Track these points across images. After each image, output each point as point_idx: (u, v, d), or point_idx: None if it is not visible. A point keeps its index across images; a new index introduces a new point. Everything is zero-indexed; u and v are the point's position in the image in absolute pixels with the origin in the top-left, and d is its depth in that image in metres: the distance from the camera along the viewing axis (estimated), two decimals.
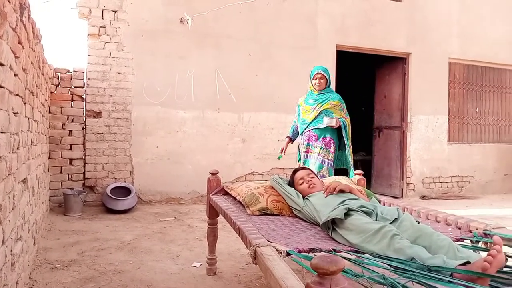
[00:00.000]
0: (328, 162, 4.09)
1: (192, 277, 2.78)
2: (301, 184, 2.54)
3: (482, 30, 7.34)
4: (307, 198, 2.40)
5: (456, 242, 1.78)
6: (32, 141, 2.89)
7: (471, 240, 1.89)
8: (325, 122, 4.00)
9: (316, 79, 4.13)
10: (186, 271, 2.88)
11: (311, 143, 4.11)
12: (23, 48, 2.23)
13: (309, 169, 2.72)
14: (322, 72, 4.16)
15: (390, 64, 7.05)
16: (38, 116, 3.33)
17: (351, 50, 6.53)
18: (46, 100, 4.29)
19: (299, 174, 2.61)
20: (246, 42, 5.84)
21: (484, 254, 1.61)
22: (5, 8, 1.61)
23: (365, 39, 6.55)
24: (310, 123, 4.13)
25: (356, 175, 3.12)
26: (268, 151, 5.99)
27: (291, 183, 2.62)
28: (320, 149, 4.08)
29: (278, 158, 4.52)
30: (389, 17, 6.70)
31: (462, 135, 7.41)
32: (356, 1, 6.50)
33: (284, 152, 4.38)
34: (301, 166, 3.99)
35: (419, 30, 6.90)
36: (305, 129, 4.16)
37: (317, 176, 2.66)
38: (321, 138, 4.10)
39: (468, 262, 1.44)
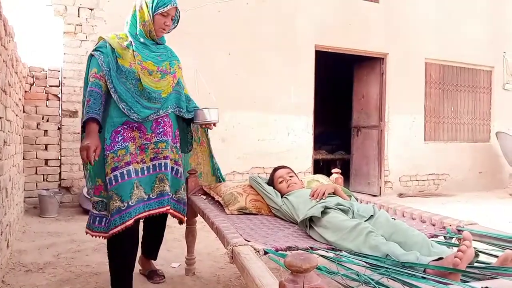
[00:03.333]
0: (183, 174, 2.51)
1: (171, 278, 2.76)
2: (280, 183, 2.56)
3: (457, 31, 7.50)
4: (285, 197, 2.41)
5: (431, 239, 1.82)
6: (5, 141, 2.82)
7: (444, 237, 1.94)
8: (208, 115, 2.40)
9: (167, 16, 2.27)
10: (165, 272, 2.85)
11: (164, 139, 2.31)
12: None
13: (289, 168, 2.72)
14: (177, 6, 2.34)
15: (368, 64, 7.15)
16: (11, 115, 3.25)
17: (330, 51, 6.59)
18: (20, 99, 4.19)
19: (279, 173, 2.62)
20: (225, 41, 5.82)
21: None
22: None
23: (343, 39, 6.61)
24: (167, 100, 2.37)
25: (334, 174, 3.15)
26: (249, 150, 5.99)
27: (271, 182, 2.63)
28: (175, 150, 2.44)
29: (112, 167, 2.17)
30: (367, 18, 6.79)
31: (438, 134, 7.56)
32: (334, 2, 6.56)
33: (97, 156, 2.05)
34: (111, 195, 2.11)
35: (396, 31, 7.01)
36: (158, 110, 2.31)
37: (296, 175, 2.67)
38: (175, 131, 2.47)
39: (441, 258, 1.47)
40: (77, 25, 5.09)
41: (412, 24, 7.13)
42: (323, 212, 1.95)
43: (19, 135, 4.16)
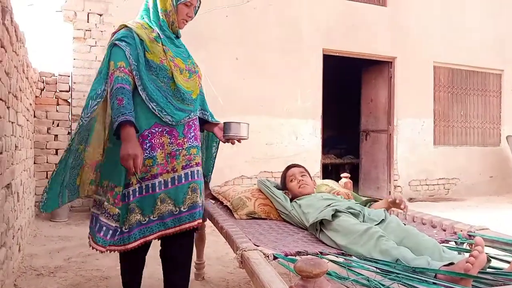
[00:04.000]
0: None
1: None
2: (291, 181, 2.51)
3: (466, 34, 7.45)
4: (295, 201, 2.40)
5: (441, 244, 1.80)
6: (16, 146, 2.85)
7: (455, 242, 1.92)
8: (241, 130, 2.19)
9: (190, 6, 2.06)
10: None
11: (195, 143, 2.11)
12: (6, 51, 2.20)
13: (302, 166, 2.63)
14: None
15: (376, 68, 7.13)
16: (22, 120, 3.29)
17: (337, 54, 6.58)
18: (30, 105, 4.24)
19: (291, 171, 2.56)
20: (233, 46, 5.85)
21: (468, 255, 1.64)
22: None
23: (351, 43, 6.60)
24: (196, 101, 2.16)
25: (343, 178, 3.13)
26: (257, 154, 5.99)
27: (282, 180, 2.58)
28: (201, 153, 2.20)
29: (140, 178, 1.93)
30: (374, 22, 6.77)
31: (447, 138, 7.50)
32: (341, 6, 6.56)
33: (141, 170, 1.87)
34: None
35: (404, 35, 6.99)
36: (191, 112, 2.08)
37: (309, 175, 2.63)
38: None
39: (452, 263, 1.45)
40: (86, 30, 5.15)
41: (420, 28, 7.10)
42: (334, 216, 1.94)
43: (30, 140, 4.20)
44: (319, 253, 1.69)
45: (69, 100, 5.12)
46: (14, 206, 2.74)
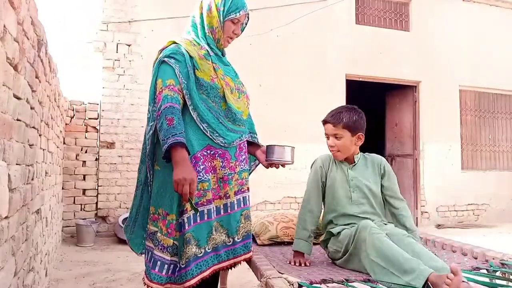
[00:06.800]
0: None
1: None
2: (327, 138, 2.19)
3: (492, 57, 7.35)
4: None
5: (473, 271, 1.75)
6: (46, 172, 2.94)
7: (487, 270, 1.85)
8: (286, 154, 2.02)
9: (237, 23, 1.92)
10: None
11: (246, 167, 1.99)
12: (40, 82, 2.30)
13: (341, 120, 2.12)
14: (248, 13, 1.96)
15: (400, 92, 7.08)
16: (52, 147, 3.39)
17: (361, 80, 6.58)
18: (61, 132, 4.37)
19: (325, 127, 2.18)
20: (256, 72, 5.92)
21: (502, 283, 1.58)
22: (23, 45, 1.68)
23: (374, 68, 6.60)
24: (246, 122, 2.01)
25: None
26: (280, 179, 5.97)
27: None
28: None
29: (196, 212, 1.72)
30: (398, 46, 6.77)
31: (476, 162, 7.31)
32: (364, 32, 6.60)
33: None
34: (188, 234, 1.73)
35: (429, 59, 6.94)
36: (243, 134, 1.96)
37: (352, 131, 2.13)
38: None
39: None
40: (115, 60, 5.33)
41: (444, 52, 7.05)
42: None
43: (59, 166, 4.31)
44: (344, 280, 1.66)
45: (97, 127, 5.26)
46: (43, 231, 2.80)
